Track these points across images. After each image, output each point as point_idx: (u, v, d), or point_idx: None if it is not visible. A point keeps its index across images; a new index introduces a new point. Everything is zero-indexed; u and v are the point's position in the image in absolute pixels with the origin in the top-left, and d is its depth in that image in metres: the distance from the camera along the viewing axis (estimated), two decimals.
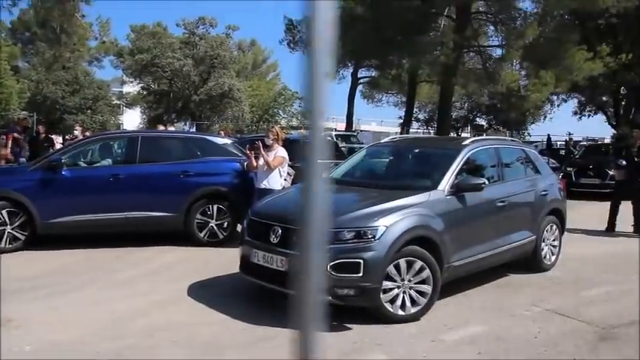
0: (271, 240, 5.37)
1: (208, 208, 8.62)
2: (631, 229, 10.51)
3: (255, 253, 5.53)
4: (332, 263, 4.90)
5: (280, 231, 5.34)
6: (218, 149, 9.16)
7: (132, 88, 39.69)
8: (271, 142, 8.20)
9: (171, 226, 8.53)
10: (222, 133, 15.89)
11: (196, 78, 33.48)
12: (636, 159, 10.62)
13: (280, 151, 8.13)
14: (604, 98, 33.47)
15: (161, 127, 14.39)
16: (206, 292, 6.19)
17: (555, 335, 5.03)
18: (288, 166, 8.54)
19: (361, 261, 4.92)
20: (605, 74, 23.61)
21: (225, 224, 8.67)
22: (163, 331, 4.95)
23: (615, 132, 30.46)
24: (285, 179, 8.31)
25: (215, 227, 8.61)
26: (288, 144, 11.62)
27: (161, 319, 5.28)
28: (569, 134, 30.80)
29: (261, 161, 8.05)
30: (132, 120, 42.03)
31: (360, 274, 4.93)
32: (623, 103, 32.67)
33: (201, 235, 8.58)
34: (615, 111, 32.27)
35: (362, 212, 5.26)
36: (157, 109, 36.22)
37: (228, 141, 9.74)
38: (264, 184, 7.95)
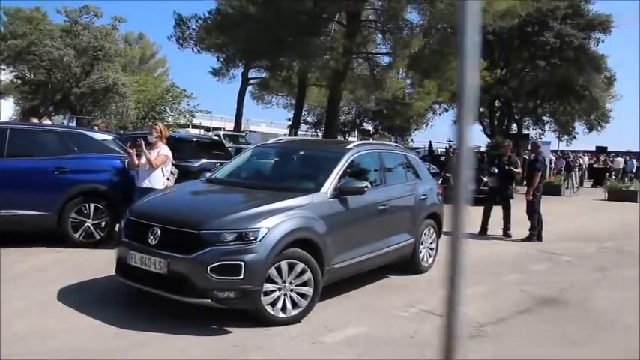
0: (149, 241, 5.16)
1: (85, 207, 8.16)
2: (501, 233, 11.22)
3: (132, 255, 5.28)
4: (212, 265, 4.80)
5: (159, 232, 5.14)
6: (97, 145, 8.68)
7: (4, 76, 36.82)
8: (154, 139, 7.90)
9: (44, 225, 7.97)
10: (96, 128, 15.05)
11: (78, 69, 31.65)
12: (506, 167, 11.34)
13: (164, 150, 7.85)
14: (481, 109, 35.57)
15: (34, 120, 13.38)
16: (79, 296, 5.83)
17: (431, 335, 5.21)
18: (172, 165, 8.29)
19: (242, 263, 4.84)
20: (482, 87, 25.04)
21: (103, 224, 8.25)
22: (27, 339, 4.59)
23: (490, 141, 32.47)
24: (168, 178, 8.04)
25: (92, 227, 8.17)
26: (174, 142, 11.39)
27: (25, 326, 4.89)
28: (450, 141, 32.33)
29: (143, 159, 7.73)
30: (4, 111, 39.03)
31: (241, 277, 4.84)
32: (497, 114, 34.92)
33: (77, 235, 8.10)
34: (490, 122, 34.40)
35: (244, 214, 5.17)
36: (32, 99, 33.85)
37: (108, 137, 9.27)
38: (146, 183, 7.64)
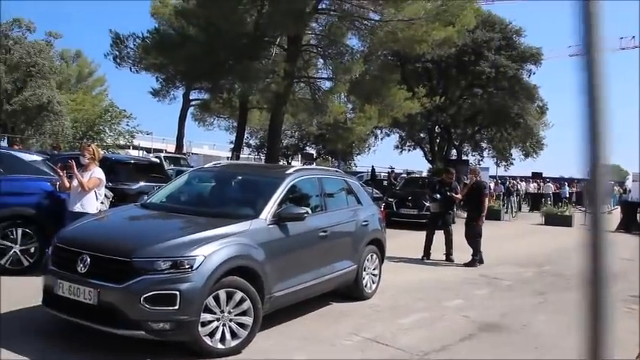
0: (79, 270, 4.84)
1: (11, 231, 7.71)
2: (443, 257, 11.28)
3: (59, 284, 4.94)
4: (145, 295, 4.54)
5: (89, 260, 4.84)
6: (25, 166, 8.27)
7: None
8: (87, 161, 7.54)
9: None
10: (16, 147, 14.37)
11: (9, 86, 30.37)
12: (448, 193, 11.47)
13: (97, 172, 7.50)
14: (422, 135, 36.30)
15: None
16: (2, 327, 5.43)
17: None
18: (106, 188, 7.94)
19: (177, 293, 4.60)
20: (422, 113, 25.53)
21: (32, 250, 7.81)
22: None
23: (431, 167, 33.08)
24: (102, 202, 7.68)
25: (19, 253, 7.72)
26: (110, 164, 11.01)
27: None
28: (391, 168, 32.80)
29: (74, 182, 7.37)
30: None
31: (177, 307, 4.60)
32: (437, 140, 35.67)
33: (2, 261, 7.62)
34: (431, 147, 35.08)
35: (179, 241, 4.94)
36: None
37: (37, 157, 8.83)
38: (78, 207, 7.26)
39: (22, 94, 30.46)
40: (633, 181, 29.05)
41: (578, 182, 41.11)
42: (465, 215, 11.52)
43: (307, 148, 41.37)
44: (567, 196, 34.75)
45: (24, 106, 30.17)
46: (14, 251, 7.71)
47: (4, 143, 28.49)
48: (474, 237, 11.05)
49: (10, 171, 8.00)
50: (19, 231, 7.76)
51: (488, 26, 30.10)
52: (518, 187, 32.64)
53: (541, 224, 22.28)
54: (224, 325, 4.96)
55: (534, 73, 32.11)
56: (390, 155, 75.69)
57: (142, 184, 11.06)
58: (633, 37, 45.68)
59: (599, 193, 0.87)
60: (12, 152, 9.23)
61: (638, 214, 21.35)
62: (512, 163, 39.96)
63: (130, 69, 26.67)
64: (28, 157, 8.75)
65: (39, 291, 5.42)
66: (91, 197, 7.40)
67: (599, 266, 0.83)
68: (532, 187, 35.84)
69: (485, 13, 30.93)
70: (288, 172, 6.68)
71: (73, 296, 4.83)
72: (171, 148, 36.99)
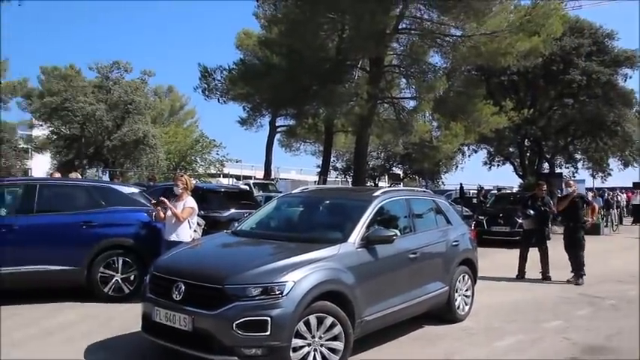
0: (174, 297, 5.03)
1: (113, 260, 8.14)
2: (539, 276, 10.83)
3: (157, 311, 5.15)
4: (238, 322, 4.64)
5: (183, 287, 5.01)
6: (124, 198, 8.71)
7: (41, 131, 37.88)
8: (180, 190, 7.87)
9: (72, 280, 7.95)
10: (116, 180, 15.14)
11: (109, 123, 32.43)
12: (542, 208, 11.04)
13: (189, 202, 7.81)
14: (511, 149, 35.24)
15: (57, 175, 13.45)
16: (106, 353, 5.73)
17: None
18: (199, 216, 8.24)
19: (269, 319, 4.66)
20: (510, 127, 24.81)
21: (132, 277, 8.20)
22: None
23: (522, 181, 32.01)
24: (195, 230, 7.98)
25: (120, 281, 8.14)
26: (202, 193, 11.41)
27: None
28: (481, 186, 32.00)
29: (169, 212, 7.70)
30: (41, 165, 40.03)
31: (268, 333, 4.66)
32: (528, 154, 34.50)
33: (105, 289, 8.06)
34: (521, 161, 33.98)
35: (269, 267, 5.02)
36: (67, 154, 34.71)
37: (135, 190, 9.29)
38: (173, 237, 7.60)
39: (120, 130, 32.42)
40: None
41: None
42: (563, 230, 11.02)
43: (394, 168, 41.16)
44: None
45: (122, 142, 32.08)
46: (116, 279, 8.12)
47: (106, 177, 30.30)
48: (579, 251, 10.63)
49: (110, 203, 8.45)
50: (120, 260, 8.17)
51: (576, 32, 28.95)
52: (618, 198, 30.90)
53: None
54: (315, 350, 4.98)
55: (631, 77, 30.55)
56: (478, 171, 74.24)
57: (232, 211, 11.37)
58: None
59: None
60: (112, 185, 9.75)
61: None
62: (609, 174, 38.01)
63: (218, 100, 27.64)
64: (126, 189, 9.21)
65: (139, 317, 5.66)
66: (185, 226, 7.70)
67: None
68: (638, 198, 33.85)
69: (573, 19, 29.74)
70: (375, 194, 6.65)
71: (170, 323, 5.01)
72: (260, 174, 37.85)
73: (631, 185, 38.87)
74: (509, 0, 18.91)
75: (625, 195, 34.23)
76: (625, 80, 30.54)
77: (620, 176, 48.70)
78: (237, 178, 39.48)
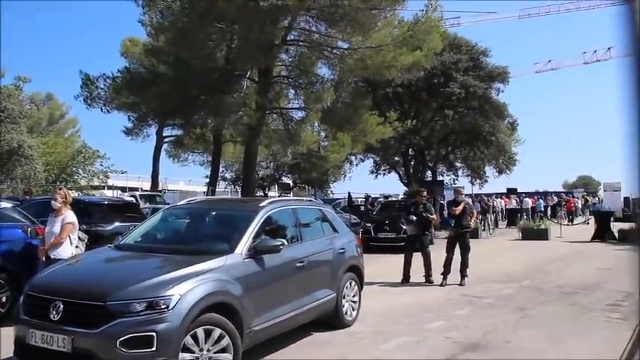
0: (52, 317, 4.77)
1: None
2: (423, 279, 11.30)
3: (32, 334, 4.85)
4: (122, 339, 4.48)
5: (62, 306, 4.77)
6: None
7: None
8: (59, 205, 7.46)
9: None
10: None
11: None
12: (423, 214, 11.56)
13: (69, 216, 7.42)
14: (396, 158, 36.59)
15: None
16: None
17: None
18: (80, 230, 7.86)
19: (154, 334, 4.54)
20: (395, 137, 25.78)
21: (4, 299, 7.65)
22: None
23: (407, 189, 33.32)
24: (76, 246, 7.60)
25: None
26: (84, 206, 10.93)
27: None
28: (367, 194, 32.95)
29: (47, 228, 7.30)
30: None
31: (154, 349, 4.54)
32: (412, 162, 35.98)
33: None
34: (406, 170, 35.37)
35: (154, 281, 4.89)
36: None
37: (7, 205, 8.73)
38: (52, 254, 7.18)
39: None
40: (605, 191, 29.63)
41: (552, 196, 41.78)
42: (452, 234, 11.51)
43: (283, 178, 41.39)
44: (542, 209, 35.21)
45: None
46: None
47: None
48: (467, 253, 11.25)
49: None
50: None
51: (455, 48, 30.73)
52: (494, 203, 32.97)
53: (518, 239, 22.47)
54: None
55: (503, 91, 32.77)
56: (365, 180, 76.10)
57: (117, 224, 10.99)
58: (595, 51, 46.95)
59: None
60: None
61: (611, 223, 21.69)
62: (486, 181, 40.44)
63: (102, 109, 26.60)
64: None
65: (11, 342, 5.29)
66: (65, 242, 7.32)
67: None
68: (513, 203, 36.26)
69: (452, 36, 31.58)
70: (262, 204, 6.68)
71: (46, 345, 4.73)
72: (147, 186, 36.75)
73: (505, 191, 41.57)
74: (394, 15, 19.67)
75: (500, 200, 36.60)
76: (498, 94, 32.78)
77: (495, 183, 52.02)
78: (123, 190, 38.11)
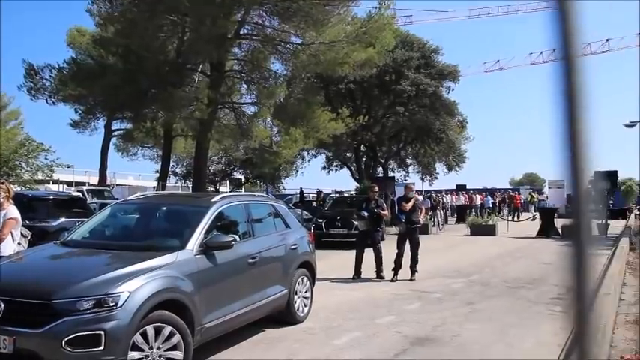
0: None
1: None
2: (374, 275, 11.40)
3: None
4: (68, 338, 4.36)
5: (3, 305, 4.59)
6: None
7: None
8: (1, 200, 7.18)
9: None
10: None
11: None
12: (375, 210, 11.65)
13: (11, 211, 7.13)
14: (348, 154, 36.75)
15: None
16: None
17: None
18: (23, 226, 7.58)
19: (102, 332, 4.44)
20: (347, 133, 25.89)
21: None
22: None
23: (359, 185, 33.54)
24: (19, 243, 7.32)
25: None
26: (27, 201, 10.59)
27: None
28: (319, 190, 33.03)
29: None
30: None
31: (102, 347, 4.44)
32: (364, 159, 36.20)
33: None
34: (358, 166, 35.55)
35: (102, 278, 4.78)
36: None
37: None
38: None
39: None
40: (549, 188, 30.56)
41: (501, 192, 42.83)
42: (402, 230, 11.61)
43: (235, 173, 41.04)
44: (490, 206, 36.06)
45: None
46: None
47: None
48: (417, 249, 11.36)
49: None
50: None
51: (407, 46, 30.98)
52: (444, 200, 33.55)
53: (467, 235, 22.96)
54: None
55: (453, 90, 33.30)
56: (318, 176, 76.41)
57: (62, 220, 10.72)
58: (541, 52, 48.35)
59: (581, 206, 0.89)
60: None
61: (555, 220, 22.39)
62: (436, 178, 41.05)
63: (47, 101, 25.75)
64: None
65: None
66: (7, 239, 7.04)
67: (582, 277, 0.85)
68: (462, 199, 36.98)
69: (404, 34, 31.86)
70: (213, 200, 6.61)
71: None
72: (95, 180, 35.83)
73: (454, 188, 42.37)
74: (347, 12, 19.71)
75: (450, 197, 37.29)
76: (448, 92, 33.22)
77: (445, 180, 52.92)
78: (69, 184, 37.01)
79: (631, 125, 24.76)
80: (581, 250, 0.76)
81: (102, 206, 13.20)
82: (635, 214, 29.74)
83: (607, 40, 46.81)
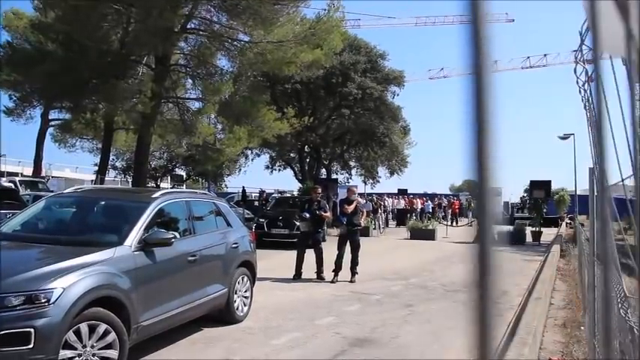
0: None
1: None
2: (315, 276, 11.43)
3: None
4: None
5: None
6: None
7: None
8: None
9: None
10: None
11: None
12: (317, 212, 11.68)
13: None
14: (292, 154, 36.76)
15: None
16: None
17: None
18: None
19: (32, 330, 4.27)
20: (292, 133, 25.90)
21: None
22: None
23: (301, 186, 33.59)
24: None
25: None
26: None
27: None
28: (262, 190, 32.88)
29: None
30: None
31: (31, 346, 4.27)
32: (307, 159, 36.29)
33: None
34: (301, 166, 35.62)
35: (34, 273, 4.59)
36: None
37: None
38: None
39: None
40: None
41: (439, 197, 43.78)
42: (343, 232, 11.68)
43: (177, 169, 40.37)
44: (430, 210, 36.77)
45: None
46: None
47: None
48: (358, 251, 11.44)
49: None
50: None
51: (354, 49, 31.26)
52: (385, 203, 33.99)
53: (407, 239, 23.33)
54: None
55: (398, 95, 33.78)
56: (261, 175, 76.07)
57: None
58: (442, 68, 50.12)
59: (487, 213, 0.90)
60: None
61: None
62: (378, 181, 41.55)
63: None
64: None
65: None
66: None
67: (486, 277, 0.85)
68: (402, 203, 37.53)
69: (352, 37, 32.10)
70: (154, 195, 6.47)
71: None
72: (28, 171, 34.51)
73: (396, 191, 42.99)
74: (296, 12, 19.71)
75: (391, 200, 37.82)
76: (393, 97, 33.72)
77: (387, 183, 53.66)
78: (1, 174, 35.59)
79: (565, 137, 25.80)
80: (484, 251, 0.78)
81: (36, 198, 12.72)
82: (567, 223, 30.99)
83: (545, 55, 48.76)
